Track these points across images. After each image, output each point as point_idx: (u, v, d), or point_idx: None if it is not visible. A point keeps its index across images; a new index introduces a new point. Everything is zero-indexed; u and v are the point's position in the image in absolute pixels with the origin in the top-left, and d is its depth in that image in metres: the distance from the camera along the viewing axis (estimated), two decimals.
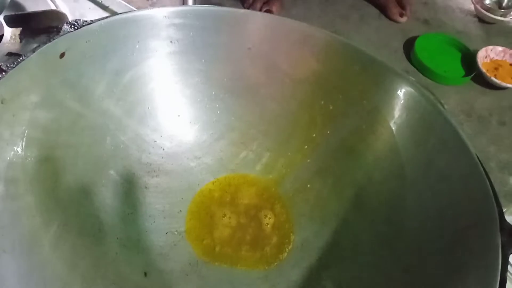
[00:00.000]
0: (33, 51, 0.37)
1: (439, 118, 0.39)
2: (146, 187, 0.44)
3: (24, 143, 0.35)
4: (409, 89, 0.41)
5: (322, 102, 0.46)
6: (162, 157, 0.46)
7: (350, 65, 0.44)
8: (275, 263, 0.42)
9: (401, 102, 0.41)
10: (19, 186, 0.34)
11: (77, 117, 0.40)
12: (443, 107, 0.39)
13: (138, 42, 0.43)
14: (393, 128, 0.41)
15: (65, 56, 0.39)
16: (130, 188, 0.43)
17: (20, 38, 0.53)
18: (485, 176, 0.35)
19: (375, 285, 0.38)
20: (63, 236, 0.35)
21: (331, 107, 0.45)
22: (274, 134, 0.48)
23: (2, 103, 0.34)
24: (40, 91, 0.37)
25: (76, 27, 0.40)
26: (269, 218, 0.44)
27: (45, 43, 0.38)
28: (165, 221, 0.43)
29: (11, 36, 0.53)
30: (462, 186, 0.36)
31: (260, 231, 0.44)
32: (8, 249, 0.30)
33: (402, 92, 0.41)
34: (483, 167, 0.35)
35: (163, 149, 0.46)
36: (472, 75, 0.64)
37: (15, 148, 0.34)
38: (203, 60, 0.46)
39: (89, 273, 0.35)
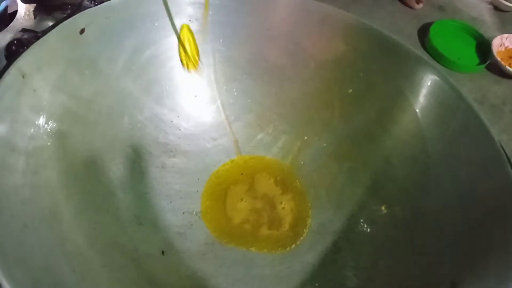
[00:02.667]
0: (54, 26, 0.37)
1: (461, 103, 0.38)
2: (163, 167, 0.44)
3: (44, 119, 0.35)
4: (431, 74, 0.41)
5: (342, 85, 0.45)
6: (179, 138, 0.46)
7: (372, 49, 0.43)
8: (291, 246, 0.42)
9: (424, 87, 0.41)
10: (39, 161, 0.34)
11: (95, 94, 0.40)
12: None
13: (157, 20, 0.43)
14: (417, 111, 0.41)
15: (85, 32, 0.38)
16: (147, 168, 0.43)
17: (34, 14, 0.52)
18: (506, 161, 0.35)
19: (392, 269, 0.38)
20: (82, 212, 0.36)
21: (350, 91, 0.45)
22: (291, 117, 0.48)
23: (23, 77, 0.34)
24: (60, 67, 0.37)
25: (96, 3, 0.39)
26: (285, 201, 0.44)
27: (61, 19, 0.38)
28: (182, 201, 0.43)
29: (25, 12, 0.52)
30: (483, 171, 0.36)
31: (276, 213, 0.44)
32: (30, 223, 0.30)
33: (424, 77, 0.41)
34: (504, 152, 0.35)
35: (180, 130, 0.46)
36: (487, 63, 0.64)
37: (36, 122, 0.34)
38: (221, 40, 0.46)
39: (108, 249, 0.36)
